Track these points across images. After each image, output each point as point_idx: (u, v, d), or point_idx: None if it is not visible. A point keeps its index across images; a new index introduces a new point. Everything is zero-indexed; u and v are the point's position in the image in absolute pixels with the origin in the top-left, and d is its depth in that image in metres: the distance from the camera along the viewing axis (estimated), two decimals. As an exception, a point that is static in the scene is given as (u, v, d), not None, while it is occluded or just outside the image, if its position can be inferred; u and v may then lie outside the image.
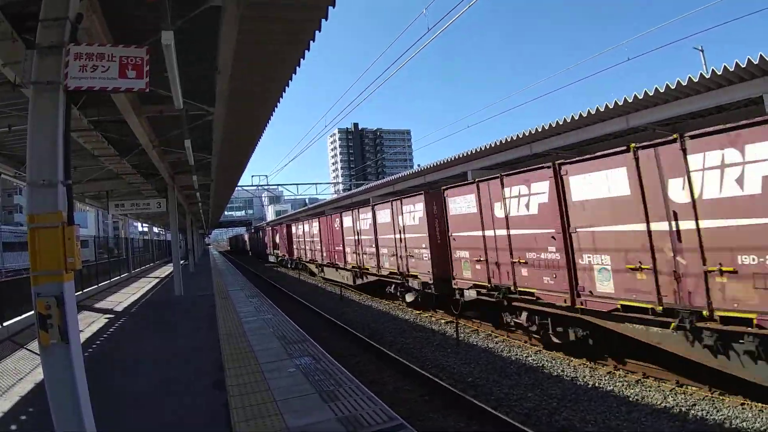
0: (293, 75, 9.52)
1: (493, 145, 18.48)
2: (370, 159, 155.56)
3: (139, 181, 19.96)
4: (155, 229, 52.29)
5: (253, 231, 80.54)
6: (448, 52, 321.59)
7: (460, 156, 21.03)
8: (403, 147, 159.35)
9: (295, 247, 36.65)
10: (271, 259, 50.01)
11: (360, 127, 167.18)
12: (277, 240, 45.08)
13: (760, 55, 9.80)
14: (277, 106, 11.72)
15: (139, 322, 13.73)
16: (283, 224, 44.92)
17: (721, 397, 7.48)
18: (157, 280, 27.89)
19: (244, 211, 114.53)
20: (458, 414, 7.57)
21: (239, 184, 32.99)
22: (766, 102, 10.58)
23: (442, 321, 14.57)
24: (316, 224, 28.79)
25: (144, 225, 46.30)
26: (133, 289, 23.42)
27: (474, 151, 19.88)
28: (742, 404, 7.14)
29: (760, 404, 6.99)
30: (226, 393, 6.77)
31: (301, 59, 8.71)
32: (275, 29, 7.42)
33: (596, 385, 8.54)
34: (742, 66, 10.20)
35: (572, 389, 8.38)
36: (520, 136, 16.94)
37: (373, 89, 16.74)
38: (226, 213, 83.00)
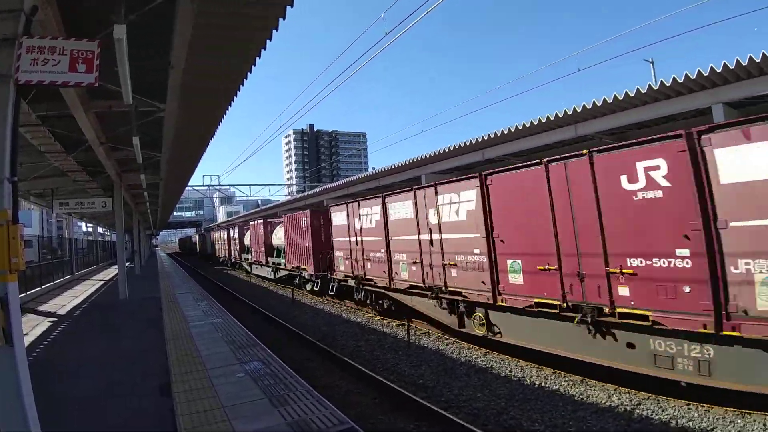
0: (249, 73, 9.35)
1: (446, 150, 18.73)
2: (325, 161, 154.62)
3: (84, 179, 19.14)
4: (100, 230, 50.24)
5: (203, 232, 78.58)
6: (405, 59, 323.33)
7: (415, 160, 21.21)
8: (359, 150, 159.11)
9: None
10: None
11: (315, 129, 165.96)
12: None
13: (711, 66, 10.34)
14: (231, 104, 11.48)
15: (84, 326, 13.14)
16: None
17: (665, 397, 7.76)
18: (101, 283, 26.78)
19: (194, 212, 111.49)
20: (409, 416, 7.61)
21: (190, 183, 32.08)
22: (714, 113, 11.16)
23: (394, 324, 14.64)
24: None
25: (89, 225, 44.34)
26: (77, 291, 22.41)
27: (428, 156, 20.10)
28: (688, 404, 7.41)
29: (706, 405, 7.27)
30: (172, 399, 6.57)
31: (257, 57, 8.57)
32: (232, 25, 7.28)
33: (542, 384, 8.77)
34: (692, 77, 10.73)
35: (520, 389, 8.57)
36: (473, 142, 17.25)
37: (329, 91, 16.57)
38: (175, 213, 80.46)
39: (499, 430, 7.12)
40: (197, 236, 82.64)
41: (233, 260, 43.18)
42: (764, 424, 6.43)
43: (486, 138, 16.50)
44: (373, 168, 29.46)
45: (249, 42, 7.87)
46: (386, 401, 8.27)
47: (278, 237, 26.83)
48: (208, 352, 9.07)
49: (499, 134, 15.95)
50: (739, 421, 6.67)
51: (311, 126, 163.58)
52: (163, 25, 7.12)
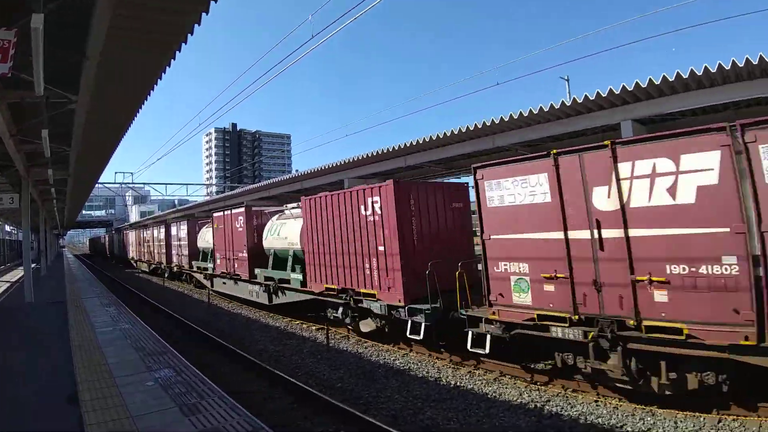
0: (168, 67, 8.99)
1: (370, 155, 18.89)
2: (247, 161, 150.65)
3: (-9, 174, 17.51)
4: (8, 228, 46.02)
5: (113, 232, 73.91)
6: (332, 62, 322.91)
7: (339, 164, 21.21)
8: (283, 151, 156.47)
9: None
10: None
11: (238, 128, 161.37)
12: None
13: (623, 85, 11.11)
14: (147, 99, 10.96)
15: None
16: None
17: (574, 394, 8.23)
18: (7, 284, 24.60)
19: (104, 211, 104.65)
20: (328, 419, 7.58)
21: (100, 180, 30.08)
22: (623, 129, 12.00)
23: (314, 328, 14.51)
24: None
25: (-3, 223, 40.47)
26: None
27: (352, 160, 20.16)
28: (596, 401, 7.87)
29: (614, 401, 7.75)
30: (79, 409, 6.14)
31: (177, 52, 8.27)
32: (152, 18, 6.98)
33: (458, 384, 9.03)
34: (603, 95, 11.48)
35: (436, 389, 8.79)
36: (396, 149, 17.51)
37: (253, 90, 16.21)
38: (84, 212, 75.31)
39: (416, 429, 7.24)
40: (107, 237, 77.10)
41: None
42: (675, 423, 6.86)
43: (408, 145, 16.81)
44: (297, 170, 29.15)
45: (169, 36, 7.59)
46: (305, 406, 8.19)
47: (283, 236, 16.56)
48: (117, 360, 8.57)
49: (421, 142, 16.31)
50: (648, 418, 7.11)
51: (234, 125, 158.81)
52: (80, 15, 6.73)
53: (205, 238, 24.23)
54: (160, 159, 63.10)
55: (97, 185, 31.57)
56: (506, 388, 8.72)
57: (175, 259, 30.41)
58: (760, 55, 9.11)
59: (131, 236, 46.07)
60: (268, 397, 8.75)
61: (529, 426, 7.15)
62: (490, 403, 8.01)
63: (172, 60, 8.67)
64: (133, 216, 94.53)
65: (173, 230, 30.88)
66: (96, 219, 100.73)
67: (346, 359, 11.05)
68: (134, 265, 45.07)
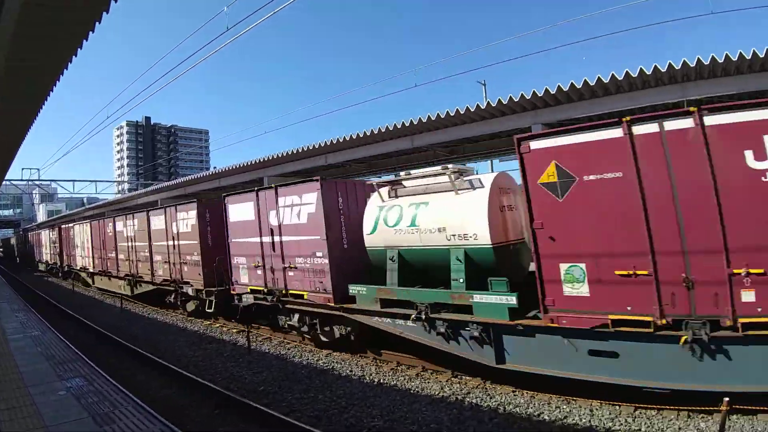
0: (73, 57, 8.46)
1: (290, 153, 18.70)
2: (162, 157, 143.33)
3: None
4: None
5: (21, 232, 68.11)
6: (255, 54, 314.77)
7: (258, 161, 20.81)
8: (200, 147, 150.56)
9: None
10: (41, 267, 42.65)
11: (152, 122, 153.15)
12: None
13: (533, 91, 11.69)
14: (53, 87, 10.25)
15: None
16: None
17: (493, 386, 8.58)
18: None
19: (11, 210, 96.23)
20: (250, 424, 7.50)
21: (7, 177, 27.56)
22: (533, 131, 12.61)
23: (234, 330, 14.21)
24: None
25: None
26: None
27: (272, 157, 19.86)
28: (514, 391, 8.25)
29: (530, 392, 8.13)
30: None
31: (84, 40, 7.80)
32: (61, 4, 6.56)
33: (381, 381, 9.20)
34: (515, 99, 12.03)
35: (360, 387, 8.89)
36: (317, 147, 17.45)
37: (165, 81, 15.47)
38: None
39: (340, 429, 7.31)
40: (16, 237, 70.69)
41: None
42: (590, 411, 7.26)
43: (329, 143, 16.81)
44: (215, 167, 28.31)
45: (73, 25, 7.14)
46: (228, 411, 8.03)
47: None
48: (28, 369, 8.10)
49: (342, 140, 16.36)
50: (564, 406, 7.51)
51: (147, 118, 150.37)
52: None
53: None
54: (67, 154, 58.70)
55: (4, 183, 28.98)
56: (428, 383, 8.97)
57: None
58: (655, 65, 9.96)
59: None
60: (189, 405, 8.49)
61: (451, 418, 7.39)
62: (413, 399, 8.23)
63: (79, 48, 8.17)
64: (41, 215, 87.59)
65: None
66: (4, 219, 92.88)
67: (268, 361, 10.92)
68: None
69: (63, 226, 33.48)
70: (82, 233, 28.18)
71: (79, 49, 8.31)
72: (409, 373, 9.53)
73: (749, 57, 9.43)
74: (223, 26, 11.20)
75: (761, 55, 9.30)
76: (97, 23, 7.29)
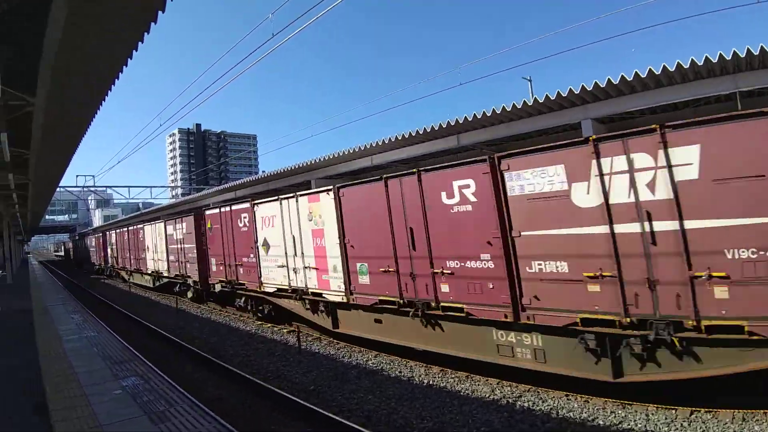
0: (124, 67, 8.79)
1: (338, 155, 18.86)
2: (212, 162, 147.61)
3: (-51, 181, 16.83)
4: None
5: (77, 237, 71.47)
6: (295, 61, 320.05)
7: (305, 164, 21.09)
8: (249, 152, 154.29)
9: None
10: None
11: (203, 129, 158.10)
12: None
13: (582, 85, 11.38)
14: (106, 97, 10.70)
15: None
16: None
17: (545, 390, 8.36)
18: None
19: (67, 215, 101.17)
20: (301, 422, 7.59)
21: (62, 184, 29.13)
22: (583, 128, 12.29)
23: (284, 330, 14.44)
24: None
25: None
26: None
27: (319, 160, 20.08)
28: (567, 396, 8.04)
29: (584, 396, 7.91)
30: (48, 418, 6.01)
31: (134, 51, 8.10)
32: (107, 15, 6.81)
33: (430, 383, 9.13)
34: (564, 95, 11.73)
35: (409, 388, 8.87)
36: (362, 149, 17.55)
37: (215, 89, 15.89)
38: (47, 217, 72.67)
39: (390, 430, 7.30)
40: (72, 242, 74.32)
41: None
42: (646, 415, 7.05)
43: (375, 145, 16.87)
44: (263, 171, 28.89)
45: (125, 33, 7.41)
46: (278, 410, 8.16)
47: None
48: (84, 369, 8.40)
49: (387, 141, 16.39)
50: (620, 411, 7.28)
51: (198, 125, 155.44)
52: (36, 13, 6.52)
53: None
54: (121, 161, 61.43)
55: (59, 189, 30.65)
56: (478, 385, 8.85)
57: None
58: (715, 54, 9.50)
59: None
60: (240, 403, 8.68)
61: (502, 421, 7.28)
62: (463, 401, 8.13)
63: (129, 59, 8.48)
64: (96, 220, 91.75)
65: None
66: (59, 224, 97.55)
67: (318, 361, 11.04)
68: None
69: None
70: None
71: (124, 66, 8.65)
72: (458, 375, 9.42)
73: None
74: (269, 33, 11.40)
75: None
76: (145, 34, 7.57)
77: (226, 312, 18.87)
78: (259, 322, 16.02)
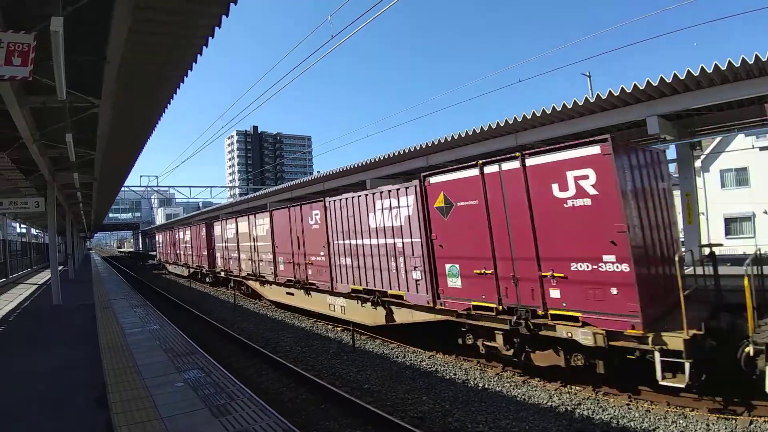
0: (188, 71, 9.10)
1: (390, 156, 18.84)
2: (269, 163, 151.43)
3: (17, 178, 17.98)
4: (33, 231, 47.20)
5: (140, 234, 75.23)
6: (355, 59, 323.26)
7: (359, 165, 21.20)
8: (303, 153, 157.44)
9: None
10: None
11: (260, 131, 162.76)
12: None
13: (647, 80, 10.87)
14: (170, 103, 11.12)
15: (16, 333, 12.36)
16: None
17: (605, 397, 8.09)
18: (35, 287, 25.22)
19: (131, 213, 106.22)
20: (355, 420, 7.59)
21: (126, 183, 30.78)
22: (649, 125, 11.75)
23: (339, 329, 14.55)
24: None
25: (23, 226, 41.58)
26: (11, 295, 21.06)
27: (373, 161, 20.13)
28: (628, 404, 7.75)
29: (646, 404, 7.63)
30: (108, 410, 6.24)
31: (198, 55, 8.35)
32: (171, 21, 7.06)
33: (485, 386, 8.96)
34: (628, 90, 11.25)
35: (464, 391, 8.73)
36: (417, 149, 17.44)
37: (274, 92, 16.34)
38: (110, 215, 76.64)
39: (444, 432, 7.21)
40: (134, 239, 78.88)
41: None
42: (707, 425, 6.73)
43: (429, 144, 16.74)
44: (318, 171, 29.29)
45: (188, 39, 7.66)
46: (332, 407, 8.21)
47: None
48: (146, 361, 8.69)
49: (443, 141, 16.22)
50: (681, 421, 6.98)
51: (255, 128, 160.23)
52: (99, 18, 6.82)
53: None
54: (184, 162, 64.31)
55: (122, 188, 32.26)
56: (535, 390, 8.61)
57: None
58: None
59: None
60: (296, 398, 8.81)
61: (560, 429, 7.03)
62: (520, 406, 7.93)
63: (194, 63, 8.76)
64: (159, 218, 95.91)
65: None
66: (123, 222, 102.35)
67: (372, 360, 11.06)
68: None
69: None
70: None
71: (188, 70, 8.92)
72: (515, 380, 9.20)
73: None
74: (328, 34, 11.53)
75: None
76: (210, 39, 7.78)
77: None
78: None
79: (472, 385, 9.08)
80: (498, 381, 9.20)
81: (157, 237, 48.30)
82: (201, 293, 27.02)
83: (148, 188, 47.63)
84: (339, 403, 8.26)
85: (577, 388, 8.60)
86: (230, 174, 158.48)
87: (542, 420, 7.37)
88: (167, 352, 9.38)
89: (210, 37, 7.63)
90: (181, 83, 9.83)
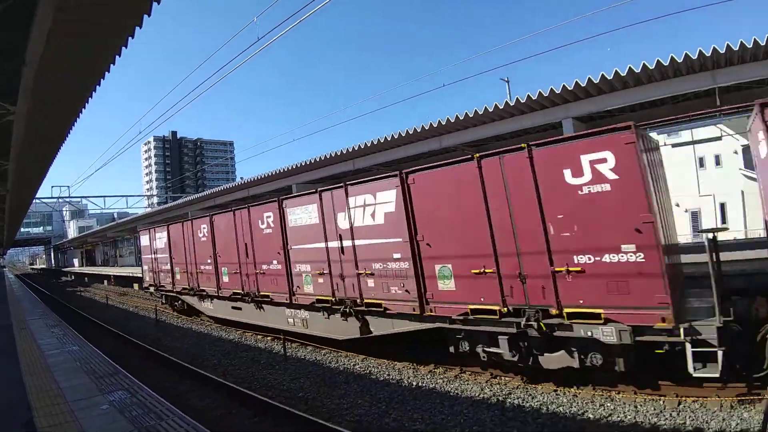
0: (107, 71, 8.65)
1: (319, 160, 18.75)
2: (189, 170, 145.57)
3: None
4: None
5: (52, 249, 70.22)
6: (274, 66, 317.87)
7: (286, 169, 20.93)
8: (226, 158, 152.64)
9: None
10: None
11: (179, 136, 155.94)
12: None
13: (563, 85, 11.49)
14: (87, 102, 10.49)
15: None
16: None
17: (534, 386, 8.43)
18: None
19: (42, 227, 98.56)
20: (290, 430, 7.45)
21: (37, 195, 28.37)
22: (564, 127, 12.41)
23: (269, 338, 14.22)
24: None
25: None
26: None
27: (300, 165, 19.95)
28: (555, 390, 8.11)
29: (573, 389, 8.02)
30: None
31: (117, 56, 7.96)
32: (93, 20, 6.68)
33: (420, 384, 9.09)
34: (545, 94, 11.84)
35: (399, 391, 8.80)
36: (344, 152, 17.46)
37: (195, 96, 15.72)
38: (22, 230, 70.84)
39: (381, 433, 7.22)
40: (46, 255, 73.20)
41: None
42: (635, 407, 7.15)
43: (357, 148, 16.81)
44: (242, 177, 28.63)
45: (111, 37, 7.28)
46: (267, 419, 8.01)
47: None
48: (68, 384, 8.11)
49: (369, 144, 16.34)
50: (608, 404, 7.37)
51: (174, 133, 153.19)
52: (20, 19, 6.34)
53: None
54: (98, 170, 60.43)
55: (34, 201, 29.90)
56: (467, 384, 8.83)
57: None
58: (687, 53, 9.68)
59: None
60: (228, 413, 8.51)
61: (493, 420, 7.25)
62: (454, 401, 8.10)
63: (112, 65, 8.34)
64: (72, 232, 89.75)
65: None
66: (34, 236, 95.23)
67: (304, 368, 10.90)
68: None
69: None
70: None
71: (106, 71, 8.49)
72: (447, 375, 9.40)
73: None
74: (254, 36, 11.29)
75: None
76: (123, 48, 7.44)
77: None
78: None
79: (407, 384, 9.17)
80: (432, 378, 9.35)
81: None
82: (121, 310, 25.53)
83: (60, 199, 44.38)
84: (273, 414, 8.06)
85: (507, 378, 8.91)
86: (147, 182, 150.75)
87: (476, 412, 7.57)
88: (89, 374, 8.80)
89: (130, 37, 7.31)
90: (98, 85, 9.32)
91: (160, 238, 21.01)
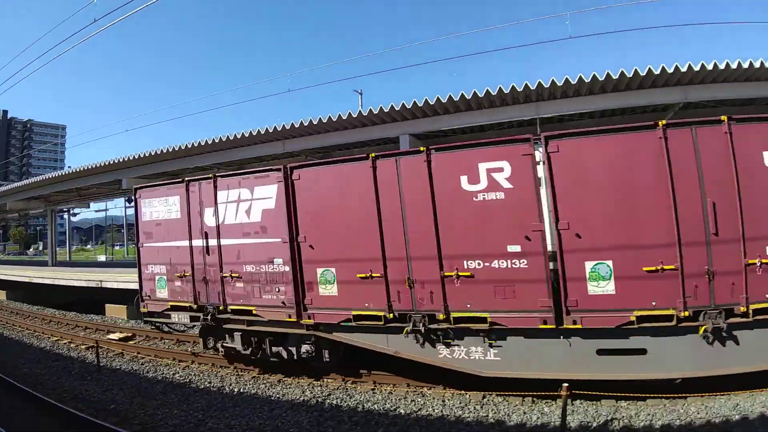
0: None
1: (156, 154, 17.56)
2: (15, 155, 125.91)
3: None
4: None
5: None
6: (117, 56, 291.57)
7: (118, 161, 19.18)
8: (56, 144, 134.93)
9: None
10: None
11: (9, 116, 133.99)
12: None
13: (402, 102, 12.09)
14: None
15: None
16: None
17: (354, 386, 8.79)
18: None
19: None
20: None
21: None
22: (401, 142, 13.04)
23: (83, 347, 12.99)
24: None
25: None
26: None
27: (134, 158, 18.46)
28: (373, 389, 8.56)
29: (389, 388, 8.53)
30: None
31: None
32: None
33: (242, 390, 9.00)
34: (386, 110, 12.37)
35: (219, 398, 8.62)
36: (183, 148, 16.60)
37: (27, 73, 13.86)
38: None
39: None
40: None
41: None
42: (443, 401, 7.76)
43: (197, 145, 16.09)
44: (70, 167, 25.85)
45: None
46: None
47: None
48: None
49: (210, 142, 15.73)
50: (419, 399, 7.97)
51: (5, 112, 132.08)
52: None
53: None
54: None
55: None
56: (290, 388, 8.94)
57: None
58: (509, 86, 10.79)
59: None
60: (34, 427, 7.78)
61: (311, 421, 7.43)
62: (274, 405, 8.15)
63: None
64: None
65: None
66: None
67: (120, 378, 10.19)
68: None
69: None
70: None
71: None
72: (270, 380, 9.41)
73: (591, 79, 10.49)
74: (91, 18, 10.37)
75: (601, 79, 10.36)
76: None
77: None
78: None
79: (228, 391, 9.00)
80: (254, 383, 9.28)
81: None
82: None
83: None
84: (82, 427, 7.39)
85: (328, 380, 9.17)
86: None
87: (295, 414, 7.70)
88: None
89: None
90: None
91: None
